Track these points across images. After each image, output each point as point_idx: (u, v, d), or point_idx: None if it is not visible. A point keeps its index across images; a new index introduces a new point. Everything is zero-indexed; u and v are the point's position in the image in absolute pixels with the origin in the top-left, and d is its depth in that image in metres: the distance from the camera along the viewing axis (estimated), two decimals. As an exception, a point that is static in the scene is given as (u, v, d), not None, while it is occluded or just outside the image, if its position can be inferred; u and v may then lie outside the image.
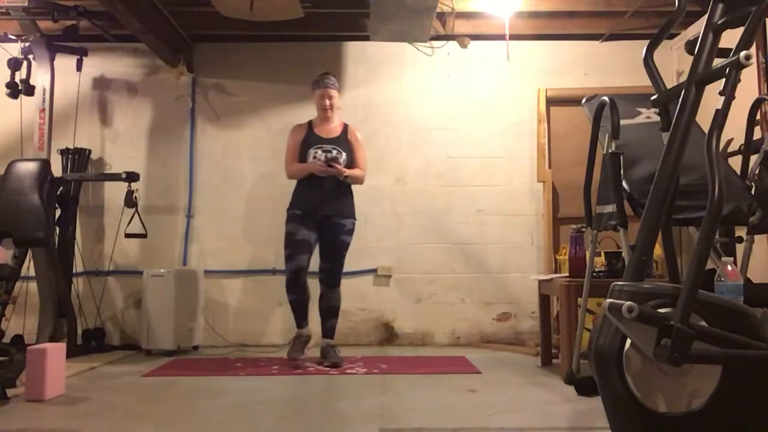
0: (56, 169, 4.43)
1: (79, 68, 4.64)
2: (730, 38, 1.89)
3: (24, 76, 4.45)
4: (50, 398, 2.91)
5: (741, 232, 3.22)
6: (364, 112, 4.90)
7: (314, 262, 3.89)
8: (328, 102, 3.95)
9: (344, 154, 3.89)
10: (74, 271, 4.62)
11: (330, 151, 3.86)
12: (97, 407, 2.80)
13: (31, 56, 4.48)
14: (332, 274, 3.86)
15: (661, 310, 1.70)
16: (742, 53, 1.74)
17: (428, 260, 4.85)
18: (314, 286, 3.92)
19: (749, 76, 3.73)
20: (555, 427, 2.46)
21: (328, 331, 3.90)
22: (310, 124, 4.01)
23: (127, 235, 4.43)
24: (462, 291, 4.83)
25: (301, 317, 3.89)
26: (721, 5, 1.93)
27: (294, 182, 3.96)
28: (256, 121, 4.97)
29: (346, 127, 4.01)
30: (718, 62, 1.87)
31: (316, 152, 3.86)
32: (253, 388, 3.20)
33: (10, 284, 3.68)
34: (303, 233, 3.80)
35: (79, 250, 4.70)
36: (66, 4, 4.31)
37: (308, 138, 3.93)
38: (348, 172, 3.84)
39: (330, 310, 3.89)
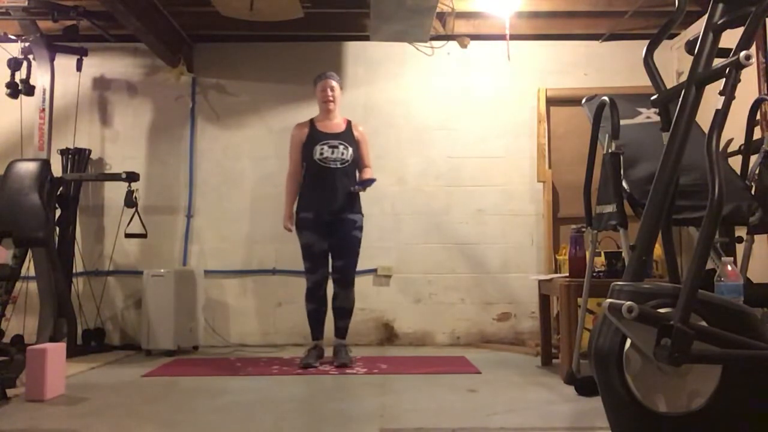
0: (56, 169, 4.43)
1: (79, 68, 4.64)
2: (730, 38, 1.89)
3: (24, 76, 4.46)
4: (50, 398, 2.91)
5: (741, 232, 3.22)
6: (364, 112, 4.89)
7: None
8: (330, 93, 3.92)
9: (350, 149, 3.87)
10: (74, 271, 4.62)
11: (336, 147, 3.84)
12: (97, 407, 2.80)
13: (31, 56, 4.48)
14: (346, 273, 3.84)
15: (661, 310, 1.70)
16: (742, 53, 1.74)
17: (428, 260, 4.85)
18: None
19: (749, 76, 3.73)
20: (555, 427, 2.46)
21: (340, 331, 3.90)
22: (312, 121, 3.99)
23: (127, 235, 4.43)
24: (462, 291, 4.83)
25: (317, 329, 3.88)
26: (721, 5, 1.93)
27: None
28: (256, 121, 4.97)
29: (349, 122, 4.00)
30: (718, 62, 1.87)
31: (322, 148, 3.83)
32: (253, 388, 3.20)
33: (10, 284, 3.68)
34: (319, 244, 3.81)
35: (79, 250, 4.70)
36: (66, 4, 4.31)
37: (312, 135, 3.89)
38: (369, 177, 3.88)
39: (343, 311, 3.89)
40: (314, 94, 4.02)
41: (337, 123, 3.96)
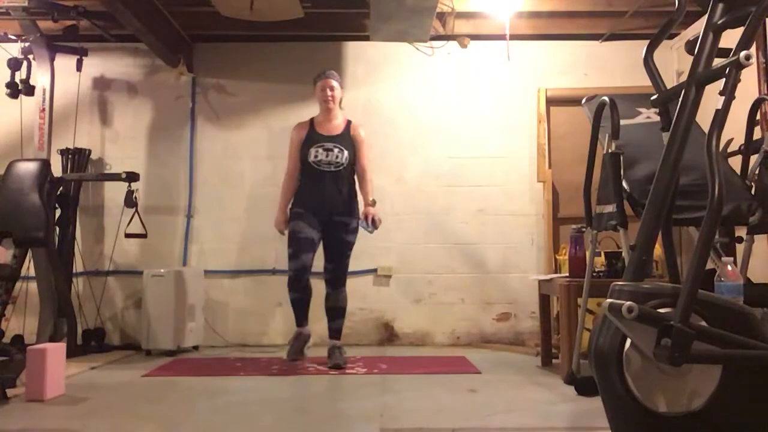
0: (56, 169, 4.43)
1: (79, 68, 4.64)
2: (730, 38, 1.89)
3: (24, 76, 4.45)
4: (50, 398, 2.91)
5: (741, 232, 3.22)
6: (364, 112, 4.89)
7: (318, 262, 3.87)
8: (329, 92, 3.88)
9: (346, 152, 3.83)
10: (74, 271, 4.61)
11: (331, 150, 3.83)
12: (97, 407, 2.80)
13: (31, 56, 4.48)
14: (337, 275, 3.83)
15: (661, 310, 1.70)
16: (742, 53, 1.74)
17: (428, 260, 4.85)
18: (319, 286, 3.91)
19: (749, 76, 3.73)
20: (555, 427, 2.46)
21: (334, 333, 3.87)
22: (312, 121, 3.96)
23: (127, 235, 4.43)
24: (462, 291, 4.83)
25: (301, 316, 3.87)
26: (721, 5, 1.93)
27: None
28: (256, 121, 4.97)
29: (349, 123, 3.96)
30: (718, 62, 1.87)
31: (317, 151, 3.82)
32: (253, 388, 3.20)
33: (10, 284, 3.68)
34: (307, 231, 3.76)
35: (79, 250, 4.69)
36: (66, 4, 4.31)
37: (310, 136, 3.88)
38: (370, 200, 3.82)
39: (336, 311, 3.86)
40: (314, 94, 4.01)
41: (336, 124, 3.92)
